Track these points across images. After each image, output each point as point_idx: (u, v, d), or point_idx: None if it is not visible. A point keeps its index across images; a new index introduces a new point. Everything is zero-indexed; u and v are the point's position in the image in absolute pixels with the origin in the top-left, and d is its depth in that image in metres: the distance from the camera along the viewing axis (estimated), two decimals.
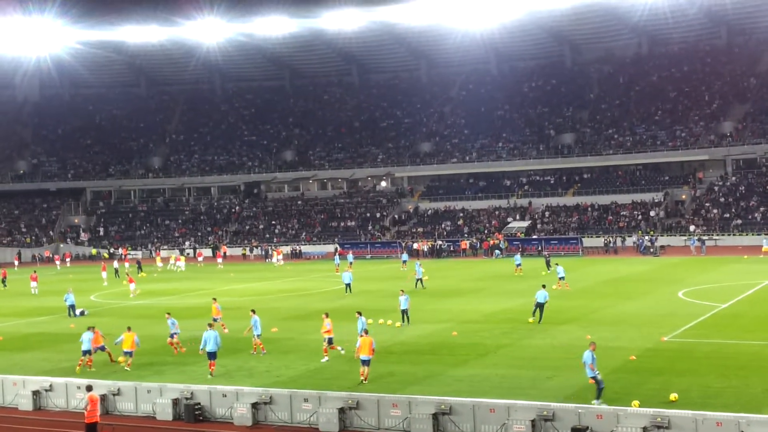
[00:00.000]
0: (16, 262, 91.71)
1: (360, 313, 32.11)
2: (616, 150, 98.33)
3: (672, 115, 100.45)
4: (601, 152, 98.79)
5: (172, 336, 33.45)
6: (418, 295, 46.32)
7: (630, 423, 20.07)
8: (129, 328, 31.34)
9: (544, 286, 38.62)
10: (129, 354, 30.65)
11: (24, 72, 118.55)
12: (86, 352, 30.72)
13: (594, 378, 23.53)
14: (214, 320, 35.65)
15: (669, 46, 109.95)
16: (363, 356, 26.88)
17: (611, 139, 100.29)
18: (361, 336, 27.61)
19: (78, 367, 30.44)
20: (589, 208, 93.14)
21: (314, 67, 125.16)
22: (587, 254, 78.80)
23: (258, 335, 32.12)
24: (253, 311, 33.08)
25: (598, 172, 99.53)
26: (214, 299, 38.99)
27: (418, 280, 52.80)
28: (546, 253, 62.74)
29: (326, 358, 30.73)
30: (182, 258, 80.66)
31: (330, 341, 31.09)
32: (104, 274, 67.43)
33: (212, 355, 28.91)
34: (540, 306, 37.34)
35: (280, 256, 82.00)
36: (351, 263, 71.78)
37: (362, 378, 26.73)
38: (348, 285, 51.67)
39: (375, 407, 22.68)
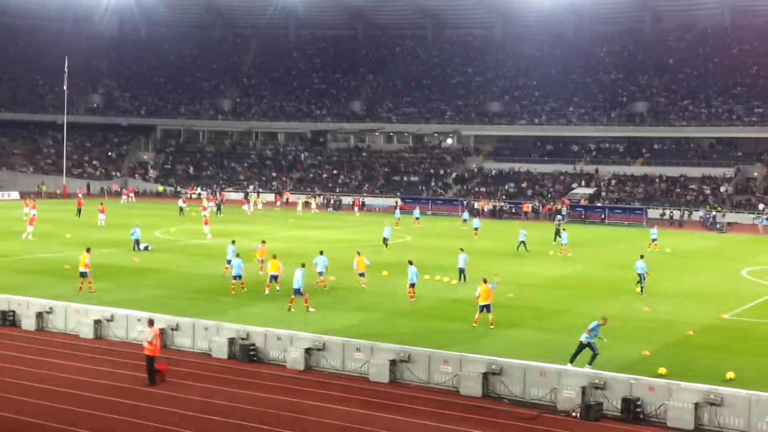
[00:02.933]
0: (80, 195, 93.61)
1: (411, 262, 33.03)
2: (690, 122, 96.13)
3: (751, 90, 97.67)
4: (674, 123, 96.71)
5: (235, 277, 34.03)
6: (476, 255, 46.19)
7: (682, 398, 19.90)
8: (274, 256, 34.45)
9: (642, 257, 38.02)
10: (274, 278, 33.58)
11: (105, 6, 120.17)
12: (237, 277, 34.08)
13: (589, 344, 23.42)
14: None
15: (753, 19, 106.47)
16: (482, 303, 28.45)
17: (685, 111, 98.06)
18: (480, 285, 28.81)
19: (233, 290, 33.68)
20: (657, 180, 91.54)
21: (388, 18, 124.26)
22: (651, 225, 77.51)
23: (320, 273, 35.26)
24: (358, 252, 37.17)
25: (669, 143, 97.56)
26: (358, 252, 37.96)
27: (521, 242, 50.77)
28: (558, 220, 60.51)
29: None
30: (256, 200, 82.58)
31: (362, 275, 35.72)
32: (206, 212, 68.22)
33: (297, 292, 30.97)
34: (641, 276, 36.72)
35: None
36: (418, 219, 71.94)
37: (490, 325, 28.27)
38: (385, 239, 51.18)
39: (426, 362, 22.84)
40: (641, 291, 36.46)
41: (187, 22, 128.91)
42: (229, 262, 37.09)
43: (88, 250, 34.18)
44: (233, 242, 38.97)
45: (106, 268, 40.30)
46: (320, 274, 35.56)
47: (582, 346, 23.50)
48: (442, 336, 27.39)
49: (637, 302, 34.47)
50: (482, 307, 28.61)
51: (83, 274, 33.56)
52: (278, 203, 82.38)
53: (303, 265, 31.79)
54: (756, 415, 19.30)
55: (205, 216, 60.51)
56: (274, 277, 33.94)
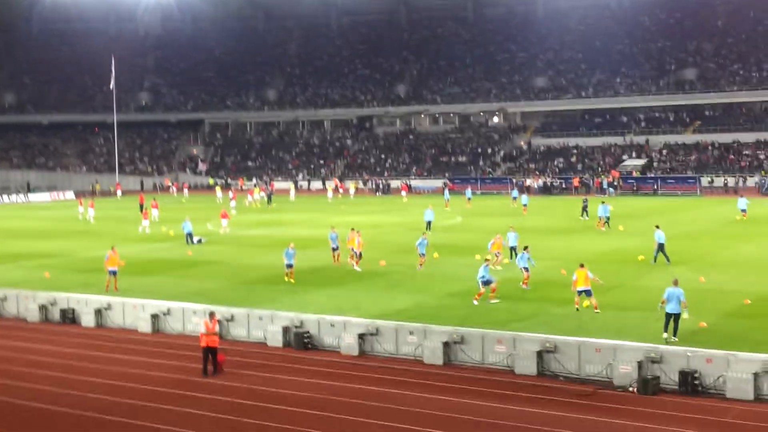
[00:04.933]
0: (118, 191, 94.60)
1: (526, 248, 32.64)
2: (741, 86, 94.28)
3: None
4: (725, 88, 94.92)
5: (288, 267, 34.31)
6: (527, 232, 45.92)
7: (741, 368, 19.65)
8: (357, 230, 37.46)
9: (657, 227, 37.68)
10: (290, 266, 33.97)
11: (146, 6, 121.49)
12: (335, 249, 37.34)
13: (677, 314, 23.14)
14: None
15: None
16: (579, 288, 27.27)
17: (736, 75, 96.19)
18: (578, 270, 27.56)
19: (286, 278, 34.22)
20: (710, 147, 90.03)
21: (430, 1, 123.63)
22: (705, 194, 76.45)
23: (422, 254, 36.24)
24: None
25: (720, 109, 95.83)
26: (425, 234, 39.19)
27: (606, 219, 50.01)
28: (585, 198, 59.43)
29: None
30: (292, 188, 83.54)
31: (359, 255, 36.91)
32: (233, 203, 69.31)
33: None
34: (661, 247, 36.38)
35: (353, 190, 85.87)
36: (470, 199, 71.84)
37: (594, 309, 27.22)
38: (429, 223, 50.54)
39: (479, 342, 22.84)
40: (667, 260, 36.01)
41: (229, 16, 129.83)
42: (335, 249, 38.17)
43: (112, 248, 34.02)
44: (333, 228, 39.85)
45: (161, 262, 40.97)
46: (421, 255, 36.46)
47: (668, 317, 23.26)
48: (496, 315, 27.32)
49: (691, 273, 34.01)
50: (580, 292, 27.33)
51: (113, 273, 32.98)
52: (404, 192, 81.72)
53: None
54: None
55: (230, 208, 59.54)
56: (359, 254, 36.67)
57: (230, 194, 76.34)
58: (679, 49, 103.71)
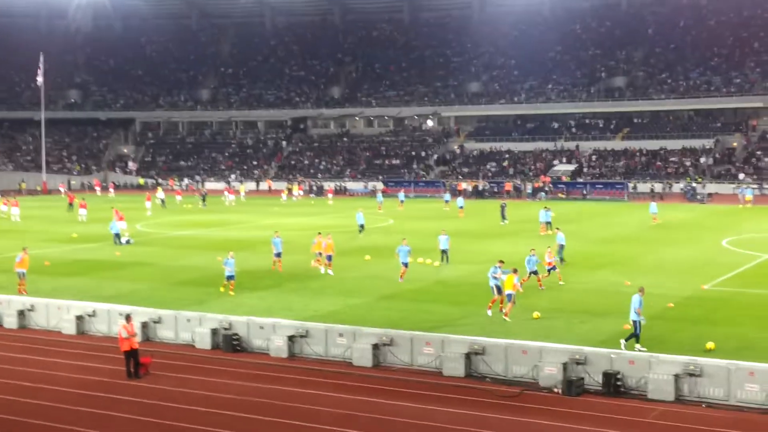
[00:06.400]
0: (62, 189, 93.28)
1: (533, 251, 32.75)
2: (669, 94, 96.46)
3: (728, 61, 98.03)
4: (653, 96, 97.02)
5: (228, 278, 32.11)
6: (459, 235, 46.28)
7: (662, 370, 20.07)
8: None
9: (558, 229, 39.68)
10: (231, 277, 31.85)
11: (78, 3, 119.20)
12: (278, 254, 36.46)
13: (635, 322, 23.43)
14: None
15: None
16: (507, 291, 27.34)
17: (664, 84, 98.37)
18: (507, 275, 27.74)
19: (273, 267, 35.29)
20: (638, 153, 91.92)
21: (365, 3, 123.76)
22: (633, 199, 78.02)
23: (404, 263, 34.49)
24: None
25: (648, 116, 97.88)
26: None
27: (547, 224, 49.76)
28: (503, 203, 60.06)
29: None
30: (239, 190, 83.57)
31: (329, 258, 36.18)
32: (148, 204, 68.43)
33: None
34: (561, 247, 37.69)
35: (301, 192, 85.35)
36: (402, 202, 72.06)
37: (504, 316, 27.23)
38: (361, 226, 50.25)
39: (408, 344, 22.93)
40: (561, 260, 36.79)
41: (162, 14, 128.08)
42: (277, 255, 36.81)
43: (24, 250, 33.40)
44: (276, 233, 38.15)
45: (88, 263, 40.22)
46: (277, 255, 36.65)
47: (636, 327, 23.39)
48: (426, 318, 27.47)
49: (616, 276, 34.66)
50: (509, 295, 27.38)
51: (22, 274, 32.36)
52: (330, 195, 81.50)
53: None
54: (735, 384, 19.51)
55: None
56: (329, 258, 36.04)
57: (160, 193, 75.59)
58: (609, 57, 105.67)
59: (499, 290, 27.83)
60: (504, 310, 27.36)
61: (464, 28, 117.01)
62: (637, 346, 23.05)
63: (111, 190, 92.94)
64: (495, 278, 28.15)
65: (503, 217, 57.02)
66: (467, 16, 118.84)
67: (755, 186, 77.84)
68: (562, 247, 37.69)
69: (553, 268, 33.23)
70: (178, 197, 77.02)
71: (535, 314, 27.46)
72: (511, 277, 27.45)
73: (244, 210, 70.67)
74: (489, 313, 27.69)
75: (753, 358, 21.22)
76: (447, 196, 73.61)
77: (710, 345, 23.17)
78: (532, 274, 32.18)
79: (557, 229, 39.59)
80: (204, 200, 75.26)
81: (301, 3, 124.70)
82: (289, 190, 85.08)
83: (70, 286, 33.80)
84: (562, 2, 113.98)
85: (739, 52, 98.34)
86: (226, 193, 78.90)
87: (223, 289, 32.17)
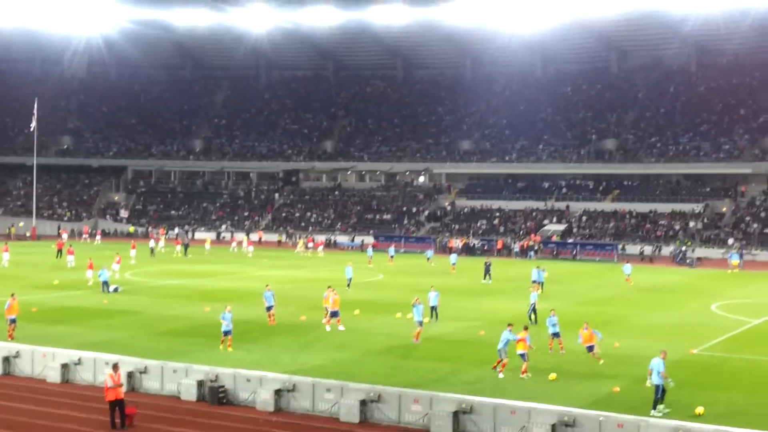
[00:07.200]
0: (65, 236, 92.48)
1: (553, 311, 32.73)
2: (659, 158, 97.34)
3: (717, 127, 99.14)
4: (643, 160, 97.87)
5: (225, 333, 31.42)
6: (448, 292, 46.22)
7: None
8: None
9: (432, 287, 39.62)
10: (227, 332, 31.09)
11: (74, 49, 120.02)
12: (269, 308, 36.05)
13: (658, 386, 23.37)
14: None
15: (719, 57, 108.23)
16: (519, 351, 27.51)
17: (654, 148, 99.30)
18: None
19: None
20: (627, 215, 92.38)
21: (359, 59, 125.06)
22: (622, 261, 78.06)
23: (419, 322, 33.47)
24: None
25: (638, 179, 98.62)
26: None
27: (540, 284, 49.06)
28: (487, 261, 59.99)
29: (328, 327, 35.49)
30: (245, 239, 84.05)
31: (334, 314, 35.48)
32: (133, 252, 68.19)
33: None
34: (533, 305, 38.01)
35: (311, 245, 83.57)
36: (392, 257, 72.02)
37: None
38: (349, 280, 50.41)
39: (396, 401, 22.76)
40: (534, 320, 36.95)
41: (157, 63, 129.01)
42: (268, 308, 36.44)
43: (12, 296, 33.26)
44: (268, 286, 38.01)
45: (75, 310, 39.93)
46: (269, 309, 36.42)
47: (660, 390, 23.40)
48: (414, 375, 27.29)
49: (605, 338, 34.54)
50: (522, 355, 27.47)
51: (13, 321, 32.33)
52: (251, 247, 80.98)
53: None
54: None
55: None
56: (334, 313, 35.30)
57: (151, 242, 75.59)
58: (599, 120, 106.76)
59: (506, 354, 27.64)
60: (522, 368, 27.32)
61: (457, 86, 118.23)
62: (661, 406, 23.11)
63: (98, 237, 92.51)
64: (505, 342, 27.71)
65: (486, 275, 56.71)
66: (460, 75, 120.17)
67: (745, 251, 78.07)
68: (533, 306, 37.68)
69: (591, 347, 29.71)
70: (160, 243, 77.62)
71: (552, 375, 27.41)
72: (523, 340, 27.51)
73: (234, 260, 70.46)
74: (501, 375, 27.30)
75: (742, 423, 21.16)
76: (429, 252, 73.92)
77: (700, 410, 23.09)
78: (554, 336, 31.81)
79: (532, 286, 39.56)
80: (186, 250, 75.04)
81: (295, 58, 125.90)
82: (279, 241, 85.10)
83: (57, 333, 33.48)
84: (553, 64, 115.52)
85: (728, 119, 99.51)
86: (234, 243, 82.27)
87: (221, 346, 31.20)
